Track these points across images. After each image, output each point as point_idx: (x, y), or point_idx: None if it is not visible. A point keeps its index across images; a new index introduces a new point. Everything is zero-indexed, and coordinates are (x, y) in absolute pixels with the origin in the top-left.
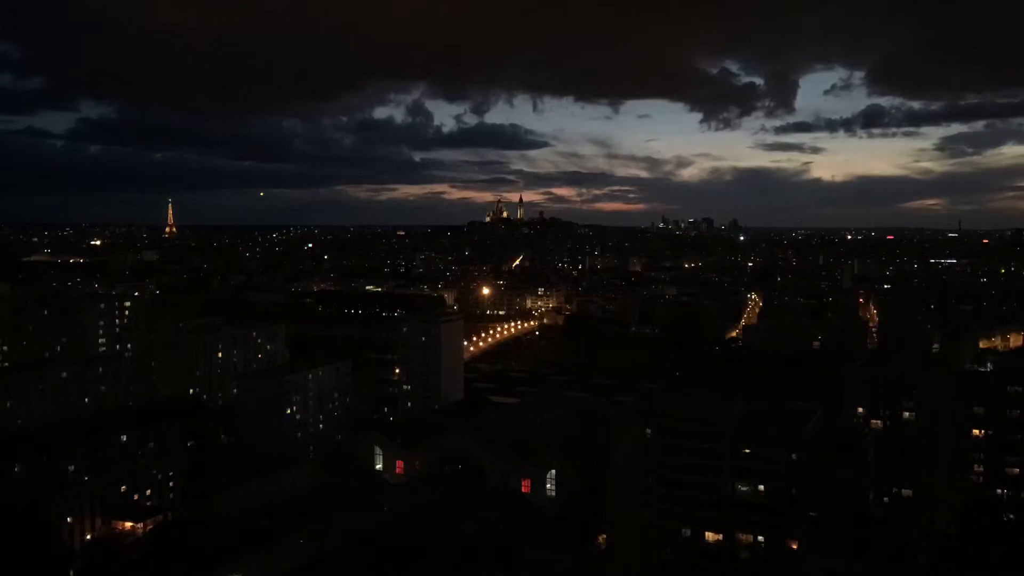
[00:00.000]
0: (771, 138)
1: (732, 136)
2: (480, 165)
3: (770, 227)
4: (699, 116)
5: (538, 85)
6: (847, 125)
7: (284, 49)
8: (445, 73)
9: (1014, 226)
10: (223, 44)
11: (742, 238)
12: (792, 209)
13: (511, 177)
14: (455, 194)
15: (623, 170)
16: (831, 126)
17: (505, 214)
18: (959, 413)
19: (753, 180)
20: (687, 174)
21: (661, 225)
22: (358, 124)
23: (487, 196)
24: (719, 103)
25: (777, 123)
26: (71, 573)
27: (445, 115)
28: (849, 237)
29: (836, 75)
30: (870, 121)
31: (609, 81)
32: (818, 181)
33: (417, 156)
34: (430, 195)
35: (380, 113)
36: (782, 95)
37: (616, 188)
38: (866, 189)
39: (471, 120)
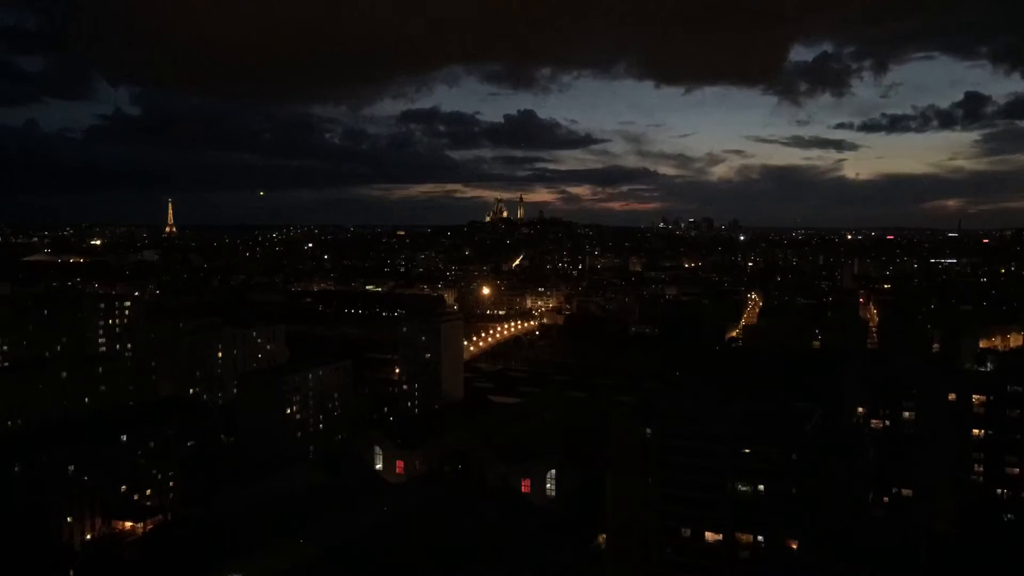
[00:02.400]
0: (812, 132)
1: (796, 129)
2: (510, 163)
3: (779, 227)
4: (780, 106)
5: (613, 70)
6: (944, 117)
7: (321, 40)
8: (517, 58)
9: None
10: (253, 34)
11: (742, 238)
12: (806, 209)
13: (548, 174)
14: (468, 192)
15: (652, 167)
16: (924, 117)
17: (505, 214)
18: (959, 413)
19: (780, 178)
20: (718, 172)
21: (661, 225)
22: (401, 117)
23: (501, 194)
24: (813, 91)
25: (862, 117)
26: (71, 573)
27: (507, 104)
28: (849, 237)
29: (936, 65)
30: (971, 112)
31: (694, 66)
32: (842, 180)
33: (457, 154)
34: (443, 194)
35: (427, 103)
36: (879, 83)
37: (634, 187)
38: (888, 188)
39: (520, 112)
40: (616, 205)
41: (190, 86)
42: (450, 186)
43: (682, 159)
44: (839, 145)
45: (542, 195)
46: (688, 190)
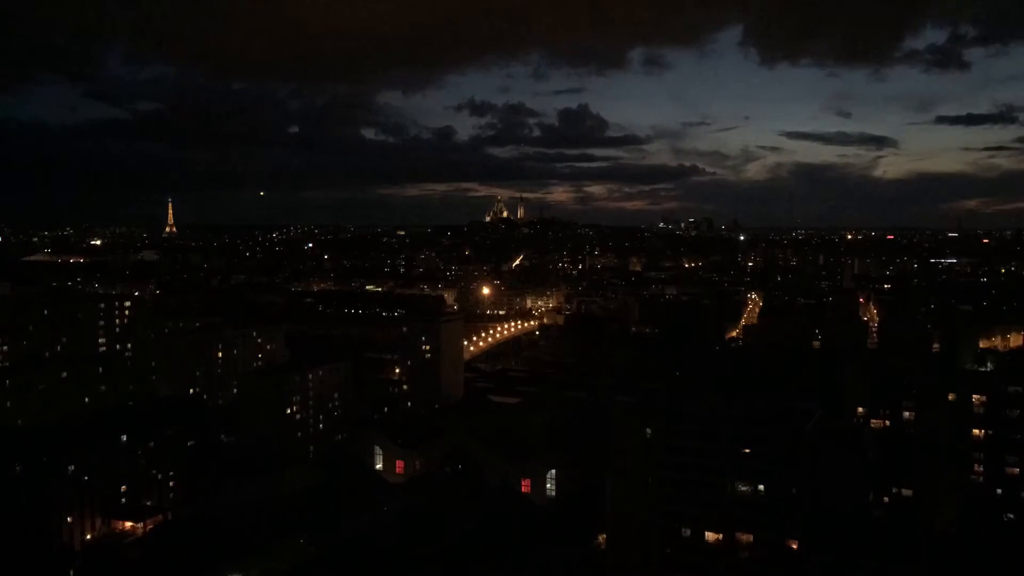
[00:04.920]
0: (864, 128)
1: (842, 124)
2: (545, 160)
3: (780, 227)
4: (884, 91)
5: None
6: None
7: (385, 17)
8: (604, 37)
9: None
10: (311, 12)
11: (742, 238)
12: (822, 209)
13: (575, 171)
14: (482, 191)
15: (692, 164)
16: None
17: (505, 213)
18: (959, 413)
19: (810, 177)
20: (752, 170)
21: (661, 225)
22: (456, 108)
23: (516, 193)
24: (928, 75)
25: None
26: (71, 573)
27: (584, 93)
28: (849, 237)
29: None
30: None
31: (798, 45)
32: (869, 179)
33: (500, 150)
34: (456, 192)
35: (493, 91)
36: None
37: (656, 186)
38: (914, 188)
39: (573, 107)
40: (630, 205)
41: (225, 70)
42: (465, 184)
43: (717, 156)
44: (881, 142)
45: (558, 194)
46: (708, 190)
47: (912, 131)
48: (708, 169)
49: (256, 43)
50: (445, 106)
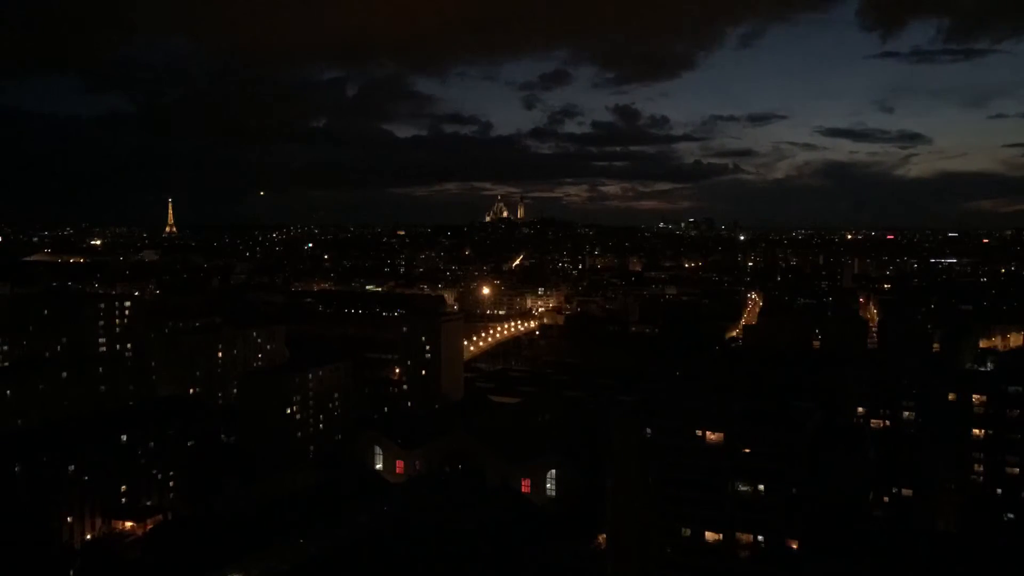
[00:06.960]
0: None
1: (884, 121)
2: (579, 158)
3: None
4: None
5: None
6: None
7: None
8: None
9: None
10: None
11: (742, 238)
12: (832, 209)
13: (592, 170)
14: (495, 190)
15: (714, 164)
16: None
17: (505, 213)
18: (959, 413)
19: (833, 176)
20: (780, 168)
21: (661, 225)
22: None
23: (527, 192)
24: None
25: None
26: (71, 573)
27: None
28: (849, 237)
29: None
30: None
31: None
32: (890, 178)
33: (541, 145)
34: (467, 191)
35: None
36: None
37: (676, 186)
38: (936, 188)
39: (620, 106)
40: (641, 205)
41: (256, 56)
42: (478, 183)
43: (745, 155)
44: (915, 139)
45: (575, 193)
46: (725, 189)
47: (955, 127)
48: (742, 167)
49: (292, 26)
50: (495, 99)
